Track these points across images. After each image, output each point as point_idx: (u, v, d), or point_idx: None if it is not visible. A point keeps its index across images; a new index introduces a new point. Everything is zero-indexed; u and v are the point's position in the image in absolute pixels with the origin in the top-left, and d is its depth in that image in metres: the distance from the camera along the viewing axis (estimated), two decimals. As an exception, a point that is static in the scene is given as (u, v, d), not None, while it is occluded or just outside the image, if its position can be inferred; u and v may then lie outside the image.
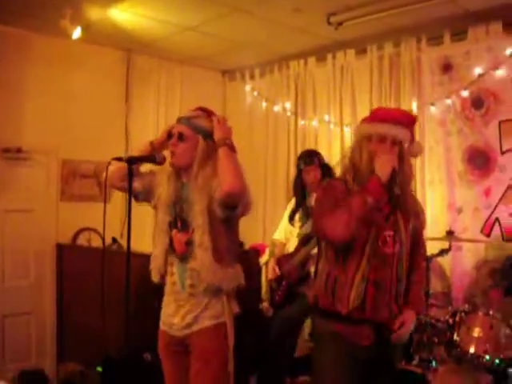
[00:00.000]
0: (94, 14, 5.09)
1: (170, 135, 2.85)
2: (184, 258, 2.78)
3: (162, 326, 2.91)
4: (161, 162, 2.81)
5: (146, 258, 3.01)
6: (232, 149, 2.74)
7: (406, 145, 2.74)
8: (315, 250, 4.08)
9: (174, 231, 2.81)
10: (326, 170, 4.35)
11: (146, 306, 3.41)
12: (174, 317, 2.82)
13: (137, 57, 6.39)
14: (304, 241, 4.20)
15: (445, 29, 5.28)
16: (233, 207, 2.68)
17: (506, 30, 4.97)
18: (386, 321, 2.70)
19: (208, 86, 7.04)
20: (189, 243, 2.75)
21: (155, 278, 2.89)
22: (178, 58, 6.53)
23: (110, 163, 2.82)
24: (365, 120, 2.85)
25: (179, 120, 2.86)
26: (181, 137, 2.79)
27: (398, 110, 2.94)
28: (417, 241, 2.89)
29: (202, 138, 2.78)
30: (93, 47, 5.94)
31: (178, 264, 2.81)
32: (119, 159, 2.74)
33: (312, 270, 4.14)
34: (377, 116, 2.78)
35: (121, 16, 5.18)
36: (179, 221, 2.80)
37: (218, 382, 2.75)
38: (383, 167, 2.62)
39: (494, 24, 5.01)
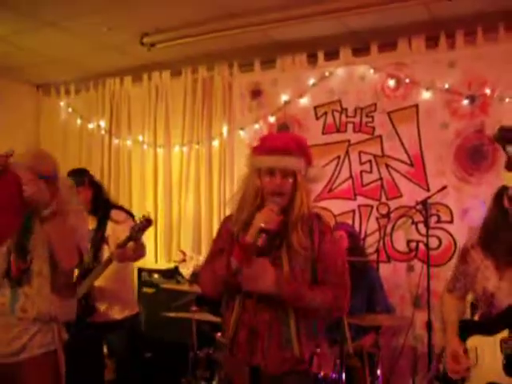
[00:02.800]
0: None
1: None
2: (18, 282, 2.66)
3: None
4: None
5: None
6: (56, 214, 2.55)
7: (301, 173, 2.39)
8: (97, 283, 3.88)
9: (13, 256, 2.68)
10: (98, 189, 4.10)
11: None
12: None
13: None
14: (83, 273, 3.81)
15: (255, 56, 5.50)
16: None
17: (309, 61, 5.30)
18: (261, 366, 2.40)
19: (21, 100, 6.76)
20: (25, 271, 2.65)
21: None
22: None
23: None
24: (254, 150, 2.51)
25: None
26: None
27: (285, 138, 2.47)
28: (325, 269, 2.43)
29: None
30: None
31: (11, 287, 2.67)
32: None
33: (97, 304, 3.93)
34: (264, 146, 2.43)
35: None
36: (19, 247, 2.68)
37: None
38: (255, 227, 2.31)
39: (299, 55, 5.33)
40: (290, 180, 2.38)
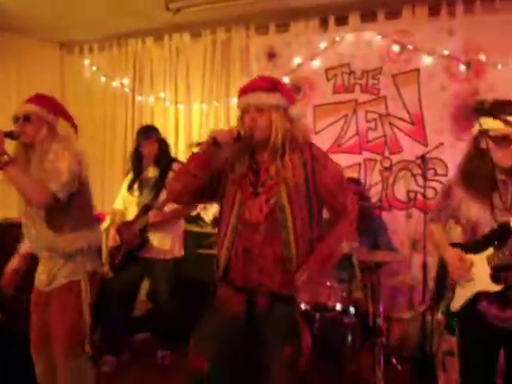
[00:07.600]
0: None
1: None
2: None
3: (36, 282, 3.25)
4: (17, 137, 3.06)
5: None
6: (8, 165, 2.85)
7: (277, 109, 2.57)
8: (156, 218, 4.54)
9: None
10: (163, 144, 4.76)
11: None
12: (42, 274, 3.19)
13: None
14: (144, 210, 4.57)
15: (270, 21, 5.93)
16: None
17: (322, 25, 5.74)
18: (256, 290, 2.57)
19: (46, 59, 7.06)
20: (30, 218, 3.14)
21: None
22: (14, 28, 6.44)
23: None
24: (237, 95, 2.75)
25: None
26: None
27: (256, 79, 2.74)
28: (330, 196, 2.65)
29: None
30: None
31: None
32: None
33: (151, 236, 4.60)
34: (240, 89, 2.68)
35: None
36: None
37: (72, 333, 3.11)
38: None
39: (312, 20, 5.76)
40: (266, 115, 2.56)
